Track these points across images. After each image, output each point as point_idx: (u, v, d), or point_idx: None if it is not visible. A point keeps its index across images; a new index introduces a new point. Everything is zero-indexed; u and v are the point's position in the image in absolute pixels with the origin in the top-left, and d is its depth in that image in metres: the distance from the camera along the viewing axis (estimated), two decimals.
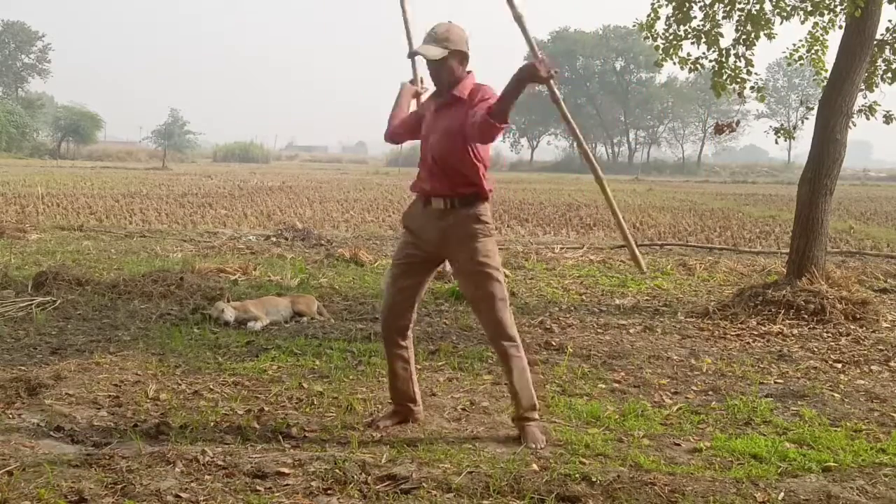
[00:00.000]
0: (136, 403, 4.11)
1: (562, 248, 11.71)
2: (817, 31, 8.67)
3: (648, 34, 8.49)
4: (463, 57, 3.64)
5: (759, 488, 3.18)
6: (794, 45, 8.91)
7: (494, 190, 3.83)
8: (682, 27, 8.19)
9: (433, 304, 7.20)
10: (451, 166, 3.63)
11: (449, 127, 3.62)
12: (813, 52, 8.82)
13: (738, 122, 10.17)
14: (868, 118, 8.35)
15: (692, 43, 8.25)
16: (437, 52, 3.57)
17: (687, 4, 8.09)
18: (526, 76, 3.32)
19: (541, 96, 70.75)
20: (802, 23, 8.22)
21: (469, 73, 3.69)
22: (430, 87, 3.90)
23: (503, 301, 3.69)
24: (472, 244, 3.65)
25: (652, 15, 8.41)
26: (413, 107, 4.17)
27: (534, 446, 3.63)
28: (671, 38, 8.32)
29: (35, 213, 14.66)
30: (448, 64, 3.59)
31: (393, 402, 3.98)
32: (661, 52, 8.45)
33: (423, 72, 3.94)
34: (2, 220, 12.88)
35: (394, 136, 4.03)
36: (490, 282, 3.66)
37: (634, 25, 8.83)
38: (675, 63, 8.44)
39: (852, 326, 6.45)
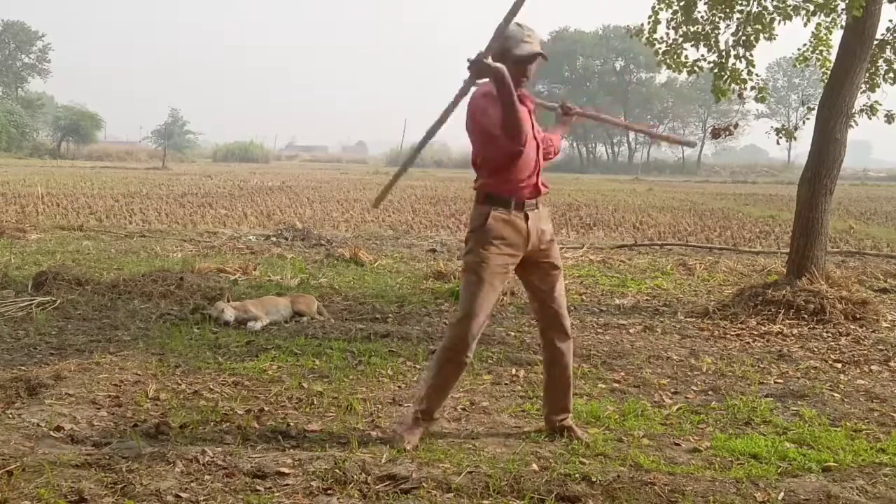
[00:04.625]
0: (136, 403, 4.11)
1: (561, 248, 11.68)
2: (820, 31, 8.65)
3: (648, 40, 8.39)
4: None
5: (759, 488, 3.19)
6: (801, 46, 8.89)
7: None
8: (683, 28, 8.14)
9: (433, 304, 7.19)
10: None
11: (536, 127, 3.70)
12: (818, 52, 8.80)
13: (735, 125, 10.02)
14: (870, 118, 8.34)
15: (692, 45, 8.23)
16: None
17: (693, 7, 8.06)
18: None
19: (540, 97, 70.71)
20: (805, 24, 8.21)
21: None
22: None
23: None
24: (554, 240, 3.80)
25: (653, 18, 8.36)
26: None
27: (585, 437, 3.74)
28: (671, 42, 8.28)
29: (35, 213, 14.66)
30: None
31: (429, 417, 3.66)
32: (660, 55, 8.41)
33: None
34: (2, 220, 12.88)
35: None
36: (562, 278, 3.82)
37: (630, 31, 8.65)
38: (673, 69, 8.40)
39: (852, 326, 6.45)
